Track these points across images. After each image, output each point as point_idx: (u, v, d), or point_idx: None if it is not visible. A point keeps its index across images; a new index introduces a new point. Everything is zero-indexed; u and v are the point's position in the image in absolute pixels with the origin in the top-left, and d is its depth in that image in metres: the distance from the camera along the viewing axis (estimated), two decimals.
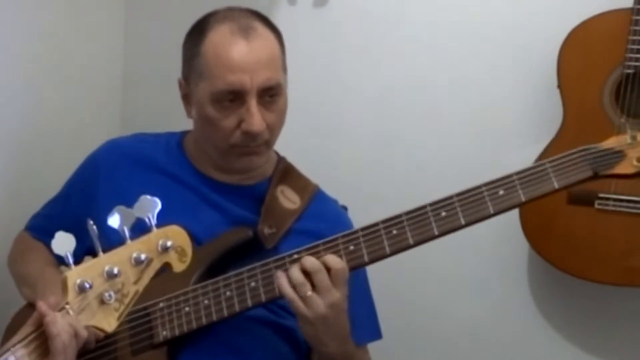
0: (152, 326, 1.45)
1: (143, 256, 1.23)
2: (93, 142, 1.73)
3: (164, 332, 1.45)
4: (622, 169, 1.37)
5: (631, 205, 1.79)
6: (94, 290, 1.21)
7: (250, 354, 1.53)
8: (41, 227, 1.70)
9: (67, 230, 1.64)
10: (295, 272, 1.39)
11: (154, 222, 1.25)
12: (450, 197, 1.40)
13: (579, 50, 1.83)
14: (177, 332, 1.45)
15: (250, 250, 1.51)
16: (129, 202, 1.23)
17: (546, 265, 1.92)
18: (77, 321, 1.21)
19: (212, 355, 1.50)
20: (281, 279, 1.40)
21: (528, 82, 1.98)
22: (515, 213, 1.90)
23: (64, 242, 1.22)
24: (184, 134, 1.68)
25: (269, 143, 1.56)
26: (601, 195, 1.81)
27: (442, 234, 1.40)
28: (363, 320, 1.61)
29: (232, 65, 1.48)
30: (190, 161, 1.63)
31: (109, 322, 1.23)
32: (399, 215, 1.41)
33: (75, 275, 1.20)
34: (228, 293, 1.44)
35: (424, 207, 1.40)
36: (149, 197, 1.25)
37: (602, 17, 1.81)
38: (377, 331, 1.66)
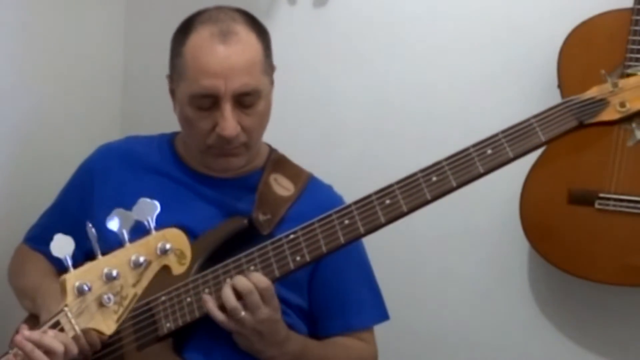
0: (156, 320, 1.46)
1: (142, 259, 1.24)
2: (93, 142, 1.73)
3: (168, 324, 1.46)
4: (606, 115, 1.38)
5: (631, 205, 1.79)
6: (93, 293, 1.21)
7: None
8: (39, 238, 1.70)
9: None
10: (229, 295, 1.41)
11: (152, 224, 1.25)
12: (439, 162, 1.41)
13: (580, 50, 1.83)
14: (180, 322, 1.46)
15: (247, 238, 1.52)
16: (125, 204, 1.23)
17: (546, 265, 1.91)
18: (67, 337, 1.21)
19: (216, 349, 1.51)
20: (209, 303, 1.43)
21: (528, 82, 1.98)
22: (515, 213, 1.90)
23: (63, 245, 1.22)
24: (175, 134, 1.69)
25: (247, 145, 1.56)
26: (601, 195, 1.81)
27: (435, 198, 1.41)
28: (363, 302, 1.63)
29: (207, 70, 1.49)
30: (182, 159, 1.65)
31: (108, 325, 1.24)
32: (391, 185, 1.43)
33: (74, 277, 1.20)
34: (228, 280, 1.45)
35: (414, 174, 1.42)
36: (147, 199, 1.25)
37: (602, 17, 1.81)
38: (382, 312, 1.65)
